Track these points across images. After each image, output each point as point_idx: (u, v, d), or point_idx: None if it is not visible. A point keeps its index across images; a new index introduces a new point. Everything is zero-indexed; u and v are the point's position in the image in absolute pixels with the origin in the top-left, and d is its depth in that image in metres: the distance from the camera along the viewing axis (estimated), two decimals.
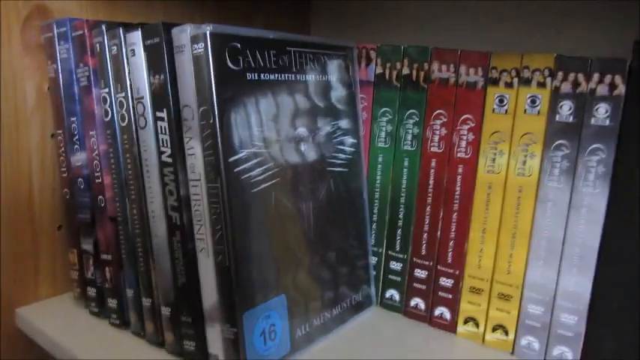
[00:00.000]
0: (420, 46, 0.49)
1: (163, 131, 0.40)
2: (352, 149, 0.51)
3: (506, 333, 0.48)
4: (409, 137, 0.50)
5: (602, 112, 0.42)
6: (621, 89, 0.41)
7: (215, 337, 0.40)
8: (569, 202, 0.44)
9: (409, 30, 0.70)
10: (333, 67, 0.49)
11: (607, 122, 0.42)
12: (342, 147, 0.49)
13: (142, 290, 0.44)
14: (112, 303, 0.47)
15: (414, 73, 0.49)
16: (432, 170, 0.49)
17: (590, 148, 0.42)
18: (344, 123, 0.50)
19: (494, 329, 0.48)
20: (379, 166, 0.52)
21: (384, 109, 0.51)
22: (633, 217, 0.41)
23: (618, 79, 0.41)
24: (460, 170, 0.48)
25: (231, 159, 0.38)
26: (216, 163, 0.38)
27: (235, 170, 0.38)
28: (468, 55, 0.47)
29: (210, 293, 0.40)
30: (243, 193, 0.39)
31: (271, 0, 0.71)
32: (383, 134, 0.52)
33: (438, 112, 0.49)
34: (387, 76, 0.51)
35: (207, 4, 0.64)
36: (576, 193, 0.43)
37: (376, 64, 0.51)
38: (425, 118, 0.49)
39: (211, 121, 0.37)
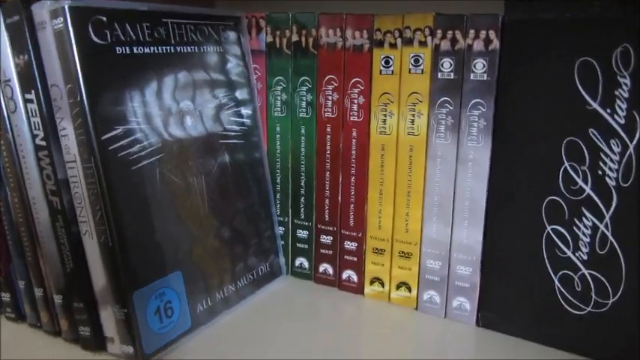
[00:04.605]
0: (307, 12, 0.48)
1: (34, 114, 0.39)
2: (248, 120, 0.50)
3: (409, 289, 0.49)
4: (304, 104, 0.50)
5: (479, 68, 0.43)
6: (496, 44, 0.42)
7: (109, 320, 0.40)
8: (457, 158, 0.45)
9: None
10: (222, 38, 0.48)
11: (485, 77, 0.43)
12: (236, 119, 0.49)
13: (33, 280, 0.43)
14: (6, 297, 0.45)
15: (304, 39, 0.49)
16: (328, 136, 0.50)
17: (471, 103, 0.43)
18: (238, 94, 0.49)
19: (398, 287, 0.50)
20: (277, 135, 0.52)
21: (278, 77, 0.51)
22: (514, 167, 0.43)
23: (492, 34, 0.42)
24: (354, 134, 0.49)
25: (105, 137, 0.37)
26: (89, 142, 0.37)
27: (110, 148, 0.37)
28: (352, 18, 0.47)
29: (98, 276, 0.39)
30: (122, 170, 0.38)
31: None
32: (279, 103, 0.51)
33: (329, 77, 0.49)
34: (277, 45, 0.50)
35: None
36: (462, 148, 0.44)
37: (266, 33, 0.51)
38: (317, 84, 0.49)
39: (78, 98, 0.36)
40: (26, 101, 0.39)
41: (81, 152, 0.37)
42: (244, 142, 0.50)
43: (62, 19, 0.36)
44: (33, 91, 0.38)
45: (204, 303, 0.44)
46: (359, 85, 0.47)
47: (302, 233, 0.53)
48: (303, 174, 0.52)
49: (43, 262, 0.41)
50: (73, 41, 0.36)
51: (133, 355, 0.39)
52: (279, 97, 0.51)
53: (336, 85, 0.48)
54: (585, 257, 0.41)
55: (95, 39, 0.37)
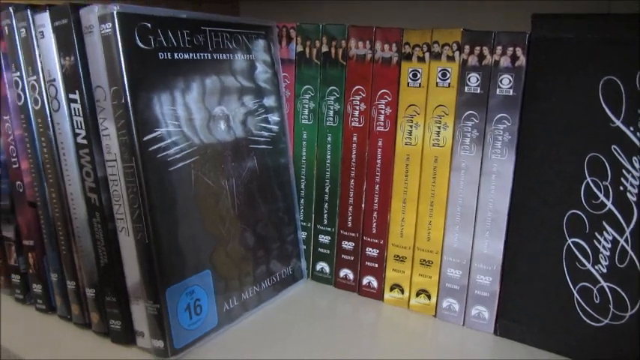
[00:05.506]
0: (337, 24, 0.50)
1: (77, 113, 0.40)
2: (276, 127, 0.52)
3: (429, 297, 0.50)
4: (331, 113, 0.52)
5: (506, 83, 0.44)
6: (522, 60, 0.43)
7: (140, 315, 0.41)
8: (480, 170, 0.46)
9: (334, 9, 0.71)
10: (254, 47, 0.49)
11: (511, 92, 0.44)
12: (265, 125, 0.50)
13: (66, 273, 0.44)
14: (37, 288, 0.47)
15: (333, 50, 0.50)
16: (354, 145, 0.51)
17: (496, 117, 0.45)
18: (267, 101, 0.51)
19: (417, 294, 0.51)
20: (304, 142, 0.53)
21: (306, 86, 0.52)
22: (537, 181, 0.44)
23: (519, 51, 0.43)
24: (380, 143, 0.50)
25: (146, 138, 0.39)
26: (131, 143, 0.38)
27: (150, 149, 0.39)
28: (382, 31, 0.48)
29: (132, 271, 0.40)
30: (160, 171, 0.40)
31: None
32: (306, 111, 0.53)
33: (356, 87, 0.50)
34: (307, 54, 0.52)
35: None
36: (486, 161, 0.46)
37: (296, 43, 0.52)
38: (345, 94, 0.51)
39: (123, 101, 0.38)
40: (70, 101, 0.40)
41: (122, 152, 0.38)
42: (272, 148, 0.51)
43: (110, 25, 0.37)
44: (77, 92, 0.40)
45: (230, 303, 0.46)
46: (386, 97, 0.49)
47: (324, 238, 0.54)
48: (327, 181, 0.53)
49: (78, 256, 0.43)
50: (120, 46, 0.37)
51: (163, 349, 0.40)
52: (306, 106, 0.53)
53: (363, 95, 0.50)
54: (605, 270, 0.42)
55: (140, 44, 0.39)
